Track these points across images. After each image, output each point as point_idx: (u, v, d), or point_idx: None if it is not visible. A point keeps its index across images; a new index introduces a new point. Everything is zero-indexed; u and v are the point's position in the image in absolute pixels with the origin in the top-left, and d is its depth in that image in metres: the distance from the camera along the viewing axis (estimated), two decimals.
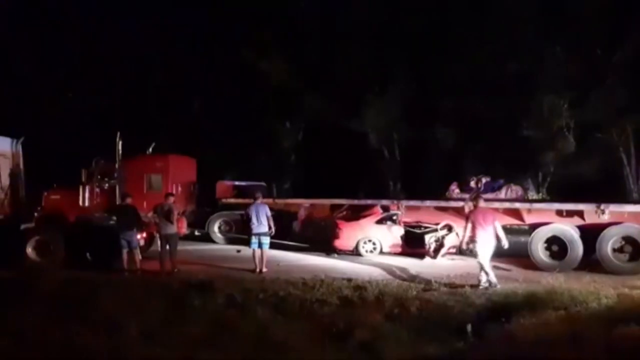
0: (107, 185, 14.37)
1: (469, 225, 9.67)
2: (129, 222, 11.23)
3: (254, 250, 11.24)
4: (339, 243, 13.51)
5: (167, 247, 11.09)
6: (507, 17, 18.96)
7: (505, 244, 9.68)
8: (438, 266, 11.90)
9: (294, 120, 23.90)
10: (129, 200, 11.84)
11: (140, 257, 11.30)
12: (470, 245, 9.78)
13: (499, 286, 9.29)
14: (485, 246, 9.54)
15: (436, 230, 12.88)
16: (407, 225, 13.52)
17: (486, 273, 9.50)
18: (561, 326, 6.30)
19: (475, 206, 9.93)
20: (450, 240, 12.71)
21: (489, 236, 9.55)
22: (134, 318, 6.92)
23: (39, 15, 22.42)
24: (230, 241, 16.14)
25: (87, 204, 14.10)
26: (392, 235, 13.33)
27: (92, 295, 8.18)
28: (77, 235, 12.09)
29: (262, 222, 11.16)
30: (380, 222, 13.59)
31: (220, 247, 15.58)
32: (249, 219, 11.31)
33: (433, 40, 20.62)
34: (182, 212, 15.85)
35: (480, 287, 9.33)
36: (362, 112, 21.72)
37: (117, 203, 12.69)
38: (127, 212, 11.47)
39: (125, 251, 11.02)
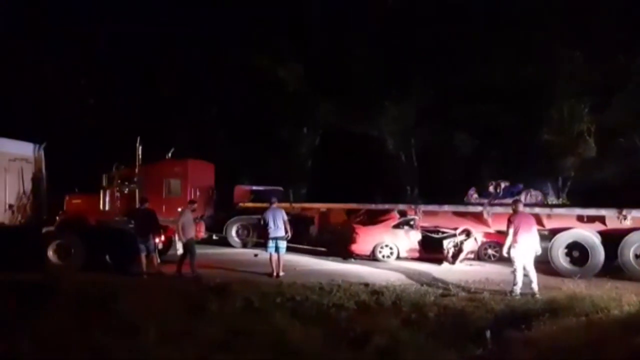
0: (127, 189, 14.58)
1: (511, 230, 9.42)
2: (146, 226, 11.38)
3: (270, 254, 11.29)
4: (355, 247, 13.50)
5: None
6: (527, 21, 18.81)
7: (539, 250, 9.53)
8: (456, 271, 11.80)
9: (310, 125, 23.98)
10: (147, 205, 11.98)
11: (159, 260, 11.43)
12: (512, 252, 9.48)
13: (519, 295, 9.09)
14: (522, 251, 9.30)
15: (454, 235, 12.78)
16: (424, 230, 13.45)
17: (514, 277, 9.31)
18: (582, 333, 6.20)
19: (515, 211, 9.67)
20: (469, 246, 12.61)
21: (529, 241, 9.33)
22: (152, 321, 6.99)
23: (61, 21, 22.84)
24: (247, 245, 16.23)
25: (107, 208, 14.34)
26: (409, 240, 13.27)
27: (111, 298, 8.28)
28: (96, 239, 12.25)
29: (278, 226, 11.24)
30: (397, 226, 13.54)
31: (237, 251, 15.69)
32: (265, 224, 11.37)
33: (450, 45, 20.52)
34: (201, 217, 16.04)
35: (527, 294, 9.10)
36: (378, 118, 21.72)
37: (136, 207, 12.85)
38: (145, 216, 11.62)
39: (143, 255, 11.17)
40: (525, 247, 9.28)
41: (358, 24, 22.22)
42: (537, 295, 8.98)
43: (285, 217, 11.41)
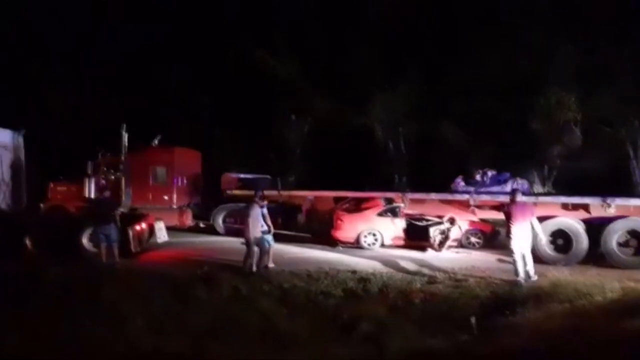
0: (112, 177, 14.45)
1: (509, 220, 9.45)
2: (107, 215, 10.76)
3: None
4: (340, 235, 13.50)
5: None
6: (515, 11, 18.84)
7: (544, 240, 9.60)
8: (442, 259, 11.91)
9: (300, 113, 23.89)
10: (107, 194, 11.77)
11: (117, 251, 10.73)
12: (507, 239, 9.55)
13: (536, 277, 9.14)
14: (520, 241, 9.32)
15: (441, 223, 12.86)
16: (409, 217, 13.50)
17: (515, 267, 9.30)
18: (566, 319, 6.30)
19: (513, 200, 9.68)
20: (455, 233, 12.71)
21: (524, 232, 9.33)
22: (139, 310, 6.96)
23: (43, 6, 22.39)
24: (234, 233, 16.20)
25: (92, 196, 14.22)
26: (394, 227, 13.30)
27: (97, 287, 8.21)
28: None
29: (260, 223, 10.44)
30: (382, 214, 13.56)
31: (225, 239, 15.63)
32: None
33: (440, 36, 20.52)
34: (187, 205, 15.97)
35: (528, 280, 9.10)
36: (368, 107, 21.69)
37: (95, 196, 12.56)
38: (106, 205, 11.18)
39: (103, 245, 10.58)
40: (520, 237, 9.30)
41: (351, 15, 22.10)
42: (534, 279, 9.08)
43: (266, 211, 10.63)
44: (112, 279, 8.78)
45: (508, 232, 9.48)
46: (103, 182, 14.35)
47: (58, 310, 7.01)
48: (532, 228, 9.42)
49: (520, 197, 9.84)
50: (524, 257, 9.32)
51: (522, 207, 9.57)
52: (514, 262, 9.38)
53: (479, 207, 13.27)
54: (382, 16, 21.55)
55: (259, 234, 10.15)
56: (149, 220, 12.71)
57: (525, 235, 9.35)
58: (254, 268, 10.11)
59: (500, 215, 13.69)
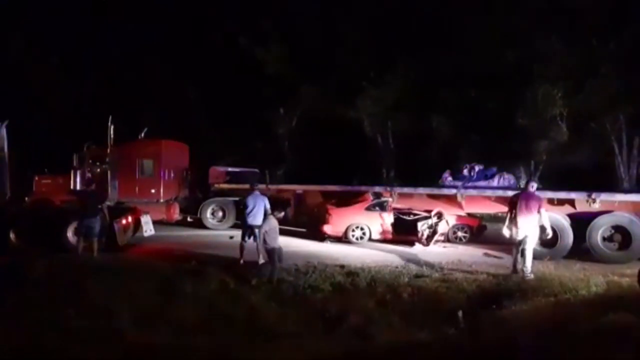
0: (98, 170, 14.30)
1: (513, 211, 9.32)
2: (92, 208, 10.60)
3: (242, 242, 10.49)
4: (328, 229, 13.52)
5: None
6: (503, 5, 18.90)
7: (550, 232, 9.49)
8: (430, 253, 11.97)
9: (288, 106, 23.81)
10: (93, 187, 11.61)
11: (96, 245, 10.49)
12: (513, 231, 9.36)
13: (531, 276, 8.92)
14: (523, 232, 9.21)
15: (429, 217, 12.92)
16: (397, 212, 13.54)
17: (524, 260, 9.14)
18: (550, 312, 6.37)
19: (523, 191, 9.57)
20: (442, 228, 12.79)
21: (529, 223, 9.21)
22: (126, 304, 6.91)
23: None
24: (222, 227, 16.14)
25: (78, 188, 14.06)
26: (382, 222, 13.36)
27: (84, 280, 8.14)
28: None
29: (258, 214, 10.32)
30: (370, 208, 13.60)
31: (212, 233, 15.57)
32: (245, 209, 10.50)
33: (429, 30, 20.52)
34: (175, 198, 15.87)
35: (527, 276, 8.94)
36: (357, 100, 21.68)
37: (79, 189, 12.38)
38: (91, 198, 11.02)
39: (85, 239, 10.37)
40: (524, 228, 9.20)
41: (340, 7, 22.02)
42: (528, 277, 8.86)
43: (268, 206, 10.43)
44: (97, 272, 8.69)
45: (512, 225, 9.35)
46: (89, 175, 14.16)
47: (44, 303, 6.94)
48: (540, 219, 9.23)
49: (532, 188, 9.60)
50: (524, 250, 9.13)
51: (526, 199, 9.34)
52: (522, 254, 9.22)
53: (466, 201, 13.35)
54: (371, 7, 21.51)
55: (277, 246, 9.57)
56: (136, 213, 12.59)
57: (530, 227, 9.20)
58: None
59: (487, 209, 14.00)
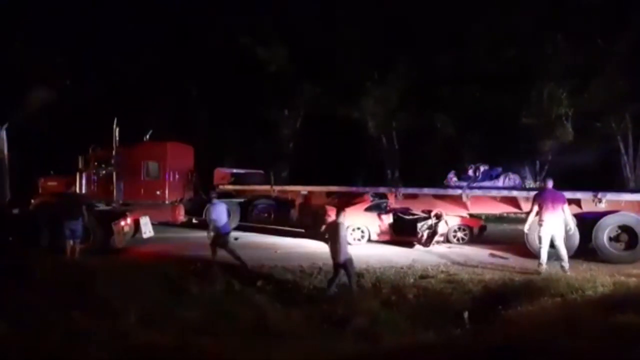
0: (104, 172, 14.33)
1: (535, 208, 9.52)
2: (73, 210, 10.55)
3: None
4: None
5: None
6: (508, 4, 18.85)
7: (572, 229, 9.65)
8: (434, 254, 11.94)
9: (292, 108, 23.84)
10: (73, 189, 11.61)
11: (78, 248, 10.52)
12: (538, 229, 9.54)
13: (544, 273, 9.12)
14: (550, 229, 9.37)
15: (428, 217, 12.86)
16: (395, 212, 13.47)
17: (540, 255, 9.40)
18: (557, 313, 6.33)
19: (542, 189, 9.70)
20: (442, 228, 12.74)
21: (556, 220, 9.37)
22: (133, 304, 6.92)
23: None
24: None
25: (83, 190, 14.09)
26: (381, 223, 13.31)
27: (90, 281, 8.15)
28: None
29: (226, 221, 10.48)
30: (369, 209, 13.56)
31: None
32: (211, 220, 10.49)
33: (433, 29, 20.49)
34: (180, 200, 15.90)
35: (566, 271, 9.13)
36: (360, 100, 21.67)
37: (62, 191, 12.32)
38: (71, 200, 10.98)
39: (69, 241, 10.37)
40: (551, 225, 9.37)
41: (341, 5, 22.02)
42: (568, 273, 9.01)
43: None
44: (107, 272, 8.71)
45: (538, 222, 9.50)
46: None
47: (50, 303, 6.95)
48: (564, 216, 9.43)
49: (550, 185, 9.82)
50: (557, 247, 9.34)
51: (551, 196, 9.55)
52: (539, 250, 9.50)
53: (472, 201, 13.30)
54: (374, 7, 21.49)
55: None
56: (134, 215, 12.61)
57: (557, 223, 9.39)
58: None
59: (492, 210, 13.95)
